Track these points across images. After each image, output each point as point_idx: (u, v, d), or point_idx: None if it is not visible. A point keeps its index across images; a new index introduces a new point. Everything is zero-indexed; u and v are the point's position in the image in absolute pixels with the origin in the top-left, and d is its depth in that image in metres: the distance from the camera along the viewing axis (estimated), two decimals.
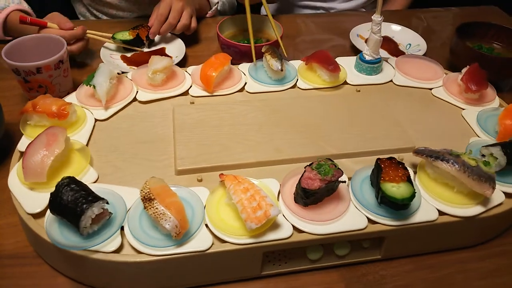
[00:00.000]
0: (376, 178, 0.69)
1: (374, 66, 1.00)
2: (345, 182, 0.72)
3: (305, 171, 0.68)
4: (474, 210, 0.71)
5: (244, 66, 1.00)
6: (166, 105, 0.90)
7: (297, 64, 1.02)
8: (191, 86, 0.94)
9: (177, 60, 1.08)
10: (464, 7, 1.56)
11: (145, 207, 0.63)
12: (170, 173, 0.76)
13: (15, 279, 0.68)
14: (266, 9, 1.05)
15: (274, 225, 0.66)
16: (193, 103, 0.91)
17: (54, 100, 0.80)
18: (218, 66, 0.92)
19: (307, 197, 0.67)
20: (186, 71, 0.97)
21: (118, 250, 0.63)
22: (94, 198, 0.63)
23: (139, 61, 1.07)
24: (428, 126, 0.89)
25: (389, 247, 0.72)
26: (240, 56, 1.04)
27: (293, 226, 0.67)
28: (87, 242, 0.62)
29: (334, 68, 0.94)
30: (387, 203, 0.67)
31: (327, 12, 1.54)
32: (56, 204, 0.63)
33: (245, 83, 0.97)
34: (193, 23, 1.15)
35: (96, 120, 0.85)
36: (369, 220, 0.69)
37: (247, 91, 0.95)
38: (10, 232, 0.74)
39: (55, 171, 0.72)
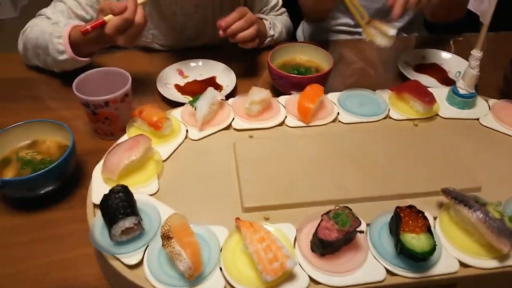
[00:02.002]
0: (396, 228, 0.64)
1: (467, 100, 0.92)
2: (362, 232, 0.65)
3: (322, 219, 0.63)
4: (490, 263, 0.64)
5: (333, 96, 0.95)
6: (226, 139, 0.86)
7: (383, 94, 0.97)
8: (286, 117, 0.90)
9: (228, 90, 1.02)
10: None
11: (163, 245, 0.61)
12: (237, 210, 0.72)
13: None
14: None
15: (289, 275, 0.61)
16: (251, 137, 0.86)
17: (157, 111, 0.83)
18: (314, 97, 0.88)
19: (324, 248, 0.62)
20: (279, 101, 0.93)
21: (137, 265, 0.62)
22: (131, 212, 0.63)
23: (191, 90, 1.04)
24: (499, 173, 0.80)
25: None
26: (291, 86, 0.98)
27: (310, 277, 0.61)
28: (114, 249, 0.63)
29: (430, 100, 0.89)
30: (406, 254, 0.61)
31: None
32: (104, 205, 0.65)
33: (338, 113, 0.92)
34: (256, 41, 1.03)
35: (185, 138, 0.85)
36: (388, 272, 0.63)
37: (340, 121, 0.91)
38: (85, 263, 0.70)
39: (127, 173, 0.74)
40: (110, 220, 0.63)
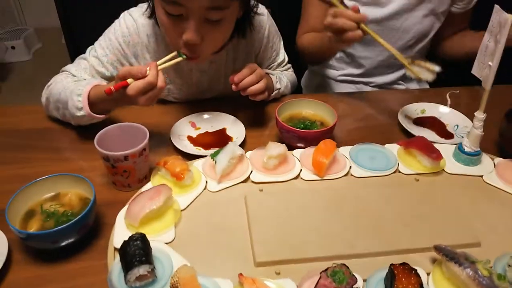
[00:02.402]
0: (390, 285, 0.66)
1: (473, 158, 0.96)
2: None
3: (320, 277, 0.65)
4: None
5: (345, 150, 0.98)
6: (243, 192, 0.88)
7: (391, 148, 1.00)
8: (301, 170, 0.93)
9: (238, 142, 1.04)
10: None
11: None
12: (249, 263, 0.73)
13: None
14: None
15: None
16: (261, 190, 0.88)
17: (180, 163, 0.87)
18: (328, 152, 0.91)
19: None
20: (293, 155, 0.96)
21: None
22: (145, 261, 0.65)
23: (203, 142, 1.07)
24: (498, 229, 0.82)
25: None
26: (298, 140, 1.01)
27: None
28: None
29: (437, 157, 0.93)
30: None
31: (368, 87, 1.47)
32: (123, 250, 0.68)
33: (350, 167, 0.94)
34: (265, 94, 1.10)
35: (204, 189, 0.88)
36: None
37: (352, 175, 0.93)
38: None
39: (148, 220, 0.77)
40: (127, 265, 0.65)
